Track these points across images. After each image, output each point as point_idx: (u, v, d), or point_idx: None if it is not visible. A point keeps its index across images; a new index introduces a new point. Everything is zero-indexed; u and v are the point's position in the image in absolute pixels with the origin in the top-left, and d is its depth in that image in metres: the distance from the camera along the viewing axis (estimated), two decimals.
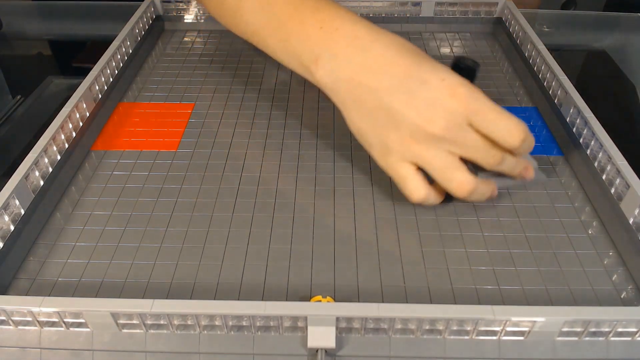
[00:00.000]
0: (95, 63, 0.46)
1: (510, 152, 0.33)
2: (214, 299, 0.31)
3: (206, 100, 0.48)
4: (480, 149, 0.32)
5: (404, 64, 0.32)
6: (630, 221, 0.33)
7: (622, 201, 0.35)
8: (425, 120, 0.31)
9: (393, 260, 0.33)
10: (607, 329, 0.27)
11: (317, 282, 0.32)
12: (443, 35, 0.59)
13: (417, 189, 0.34)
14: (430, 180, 0.34)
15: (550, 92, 0.46)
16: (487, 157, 0.32)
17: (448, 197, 0.35)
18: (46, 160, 0.37)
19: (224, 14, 0.42)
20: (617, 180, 0.35)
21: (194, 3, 0.60)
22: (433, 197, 0.34)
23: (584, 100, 0.41)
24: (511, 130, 0.31)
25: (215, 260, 0.33)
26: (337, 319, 0.27)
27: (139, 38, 0.55)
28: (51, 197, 0.37)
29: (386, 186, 0.39)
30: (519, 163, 0.34)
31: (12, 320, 0.28)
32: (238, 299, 0.31)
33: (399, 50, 0.33)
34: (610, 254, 0.34)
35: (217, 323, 0.28)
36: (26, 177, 0.35)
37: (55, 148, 0.38)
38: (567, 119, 0.42)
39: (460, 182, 0.32)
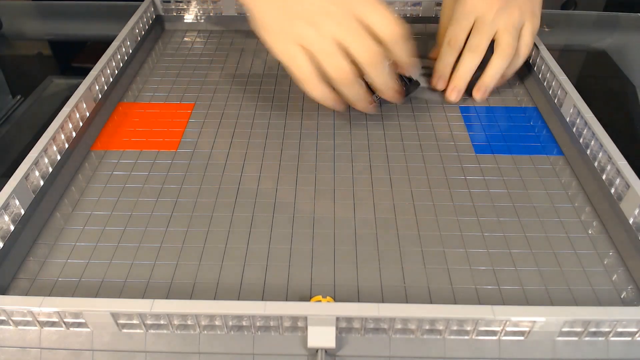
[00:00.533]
0: (95, 63, 0.46)
1: (388, 50, 0.38)
2: (214, 299, 0.31)
3: (206, 100, 0.48)
4: (361, 37, 0.37)
5: None
6: (630, 221, 0.33)
7: (622, 201, 0.35)
8: None
9: (393, 260, 0.33)
10: (607, 329, 0.27)
11: (317, 282, 0.32)
12: None
13: (302, 67, 0.38)
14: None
15: (550, 92, 0.46)
16: (366, 49, 0.37)
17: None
18: (46, 160, 0.37)
19: None
20: (617, 180, 0.35)
21: (194, 3, 0.60)
22: (316, 82, 0.38)
23: (583, 100, 0.41)
24: (390, 21, 0.37)
25: (215, 260, 0.33)
26: (337, 319, 0.27)
27: (139, 38, 0.55)
28: (51, 197, 0.37)
29: (386, 186, 0.39)
30: (389, 81, 0.40)
31: (12, 320, 0.28)
32: (238, 299, 0.31)
33: None
34: (610, 254, 0.34)
35: (217, 323, 0.28)
36: (26, 177, 0.35)
37: (55, 148, 0.38)
38: (567, 119, 0.42)
39: (340, 67, 0.37)
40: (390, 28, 0.37)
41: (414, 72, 0.45)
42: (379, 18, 0.37)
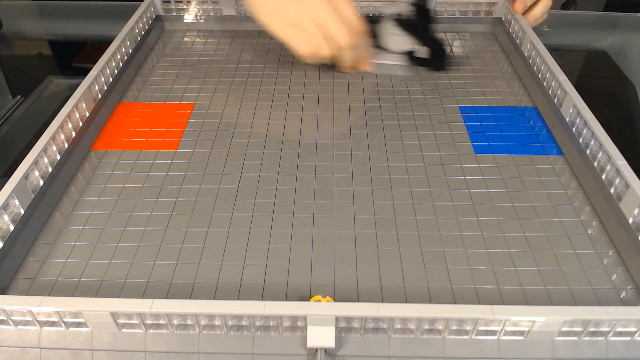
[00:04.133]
0: (95, 63, 0.46)
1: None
2: (214, 299, 0.31)
3: (206, 100, 0.48)
4: (335, 26, 0.45)
5: None
6: (630, 221, 0.33)
7: (621, 201, 0.35)
8: None
9: (393, 260, 0.33)
10: (606, 329, 0.27)
11: (317, 282, 0.32)
12: (443, 35, 0.59)
13: (302, 47, 0.46)
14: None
15: (550, 92, 0.46)
16: (336, 36, 0.45)
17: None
18: (46, 160, 0.37)
19: None
20: (617, 180, 0.35)
21: (193, 3, 0.60)
22: (312, 58, 0.47)
23: (583, 100, 0.41)
24: (355, 19, 0.46)
25: (215, 260, 0.33)
26: (337, 318, 0.27)
27: (139, 38, 0.55)
28: (51, 197, 0.37)
29: (386, 186, 0.39)
30: (354, 62, 0.50)
31: (11, 320, 0.28)
32: (238, 299, 0.31)
33: None
34: (610, 253, 0.34)
35: (216, 323, 0.28)
36: (26, 177, 0.35)
37: (55, 148, 0.38)
38: (567, 119, 0.42)
39: (321, 48, 0.46)
40: (354, 24, 0.46)
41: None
42: (348, 13, 0.45)
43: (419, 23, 0.53)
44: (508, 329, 0.27)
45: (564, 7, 0.75)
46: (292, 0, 0.45)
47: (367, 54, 0.52)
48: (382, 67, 0.52)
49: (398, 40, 0.53)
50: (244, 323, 0.28)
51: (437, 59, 0.52)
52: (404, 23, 0.53)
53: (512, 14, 0.55)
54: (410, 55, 0.52)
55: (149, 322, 0.28)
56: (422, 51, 0.52)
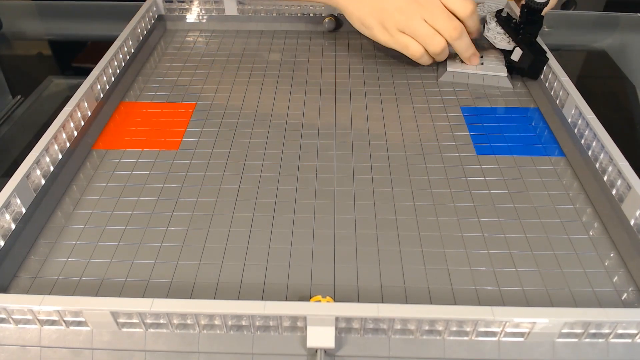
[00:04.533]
0: (95, 63, 0.46)
1: (466, 29, 0.48)
2: (214, 299, 0.31)
3: (208, 100, 0.48)
4: (445, 18, 0.47)
5: None
6: (632, 222, 0.33)
7: (623, 202, 0.34)
8: None
9: (393, 260, 0.33)
10: (607, 331, 0.27)
11: (317, 282, 0.32)
12: None
13: (417, 49, 0.49)
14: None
15: (552, 93, 0.46)
16: (449, 27, 0.47)
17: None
18: (47, 159, 0.37)
19: None
20: (619, 182, 0.35)
21: (196, 3, 0.60)
22: (426, 57, 0.50)
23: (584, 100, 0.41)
24: (463, 2, 0.47)
25: (215, 260, 0.33)
26: (337, 319, 0.27)
27: (141, 37, 0.55)
28: (52, 196, 0.37)
29: (386, 186, 0.39)
30: (470, 47, 0.49)
31: (12, 319, 0.28)
32: (238, 299, 0.31)
33: None
34: (611, 255, 0.34)
35: (216, 322, 0.28)
36: (27, 175, 0.35)
37: (56, 147, 0.38)
38: (569, 120, 0.42)
39: (438, 42, 0.48)
40: (464, 7, 0.47)
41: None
42: (454, 1, 0.47)
43: (525, 26, 0.48)
44: (508, 330, 0.27)
45: (564, 7, 0.75)
46: (397, 9, 0.47)
47: (478, 27, 0.50)
48: (485, 78, 0.50)
49: (498, 38, 0.50)
50: (244, 323, 0.28)
51: (535, 68, 0.49)
52: (506, 21, 0.50)
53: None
54: (508, 59, 0.50)
55: (149, 321, 0.28)
56: (518, 54, 0.49)
